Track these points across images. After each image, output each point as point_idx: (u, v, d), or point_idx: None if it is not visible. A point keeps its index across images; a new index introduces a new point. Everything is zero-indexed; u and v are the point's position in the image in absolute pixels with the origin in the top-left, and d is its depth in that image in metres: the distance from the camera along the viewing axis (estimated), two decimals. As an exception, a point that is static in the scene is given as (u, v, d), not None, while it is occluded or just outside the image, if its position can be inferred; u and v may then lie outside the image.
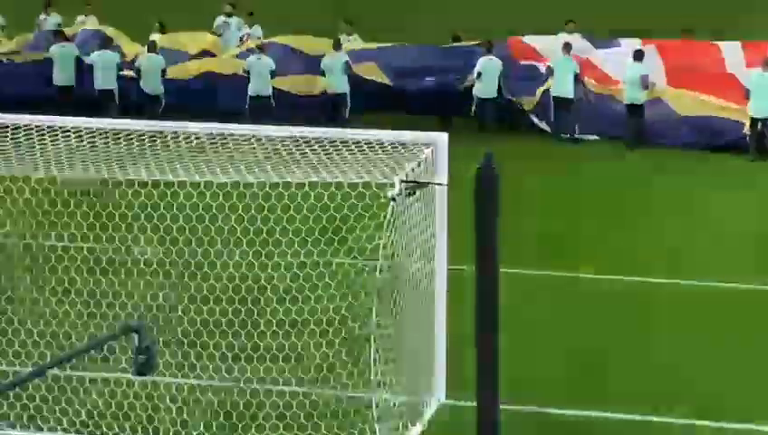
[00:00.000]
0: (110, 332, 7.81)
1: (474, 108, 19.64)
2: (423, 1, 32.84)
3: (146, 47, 21.04)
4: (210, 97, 19.81)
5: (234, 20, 25.60)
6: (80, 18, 25.97)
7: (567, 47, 19.80)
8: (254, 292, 8.31)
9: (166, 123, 8.69)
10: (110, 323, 8.24)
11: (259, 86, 19.57)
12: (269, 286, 8.27)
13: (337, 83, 19.76)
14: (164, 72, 20.09)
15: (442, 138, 7.61)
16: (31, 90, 19.99)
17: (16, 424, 7.38)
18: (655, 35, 21.43)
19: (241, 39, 24.07)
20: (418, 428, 7.67)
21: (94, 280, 8.80)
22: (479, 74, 19.50)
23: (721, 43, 20.76)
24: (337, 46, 20.23)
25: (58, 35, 21.62)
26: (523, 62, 20.81)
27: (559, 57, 19.79)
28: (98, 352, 7.14)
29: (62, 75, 20.52)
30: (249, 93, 19.62)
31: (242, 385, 7.75)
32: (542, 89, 19.81)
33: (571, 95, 19.22)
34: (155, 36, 22.94)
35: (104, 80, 20.21)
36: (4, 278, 8.85)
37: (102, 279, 8.85)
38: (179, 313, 8.20)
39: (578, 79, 19.36)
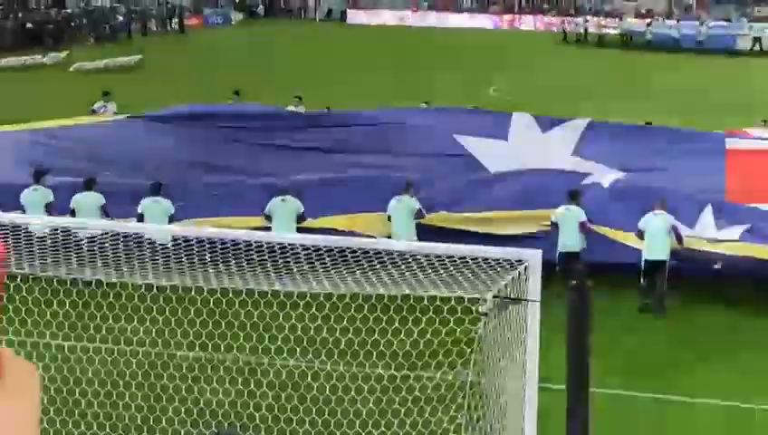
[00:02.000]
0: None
1: (557, 266, 14.37)
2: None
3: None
4: None
5: None
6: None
7: None
8: (344, 403, 8.28)
9: (256, 234, 8.91)
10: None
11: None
12: (359, 398, 8.25)
13: (402, 231, 15.38)
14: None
15: (535, 254, 7.53)
16: None
17: None
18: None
19: None
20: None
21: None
22: (555, 225, 15.33)
23: None
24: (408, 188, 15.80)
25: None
26: None
27: None
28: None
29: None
30: None
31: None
32: None
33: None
34: None
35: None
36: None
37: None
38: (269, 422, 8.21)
39: None
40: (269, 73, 37.75)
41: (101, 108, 25.03)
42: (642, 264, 14.62)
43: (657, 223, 14.65)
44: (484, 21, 68.47)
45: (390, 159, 18.80)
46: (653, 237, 14.64)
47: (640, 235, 14.75)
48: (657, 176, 17.51)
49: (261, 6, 73.07)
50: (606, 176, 17.08)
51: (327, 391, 8.45)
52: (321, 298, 8.33)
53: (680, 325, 13.91)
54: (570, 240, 14.97)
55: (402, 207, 15.45)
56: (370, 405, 8.25)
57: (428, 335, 8.02)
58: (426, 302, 7.75)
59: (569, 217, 15.09)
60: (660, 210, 14.80)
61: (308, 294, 8.07)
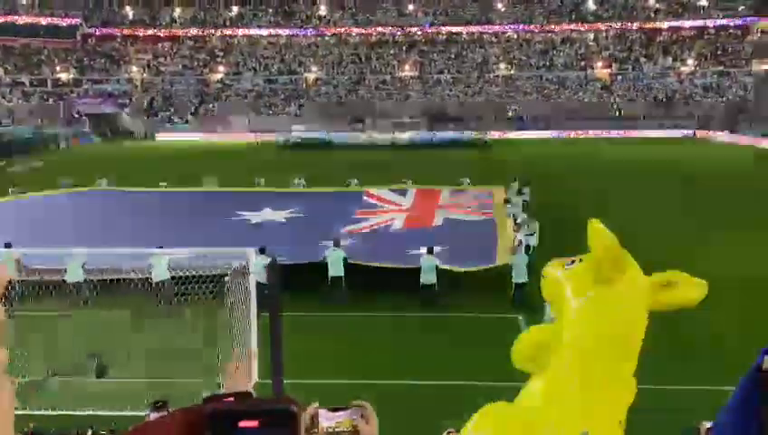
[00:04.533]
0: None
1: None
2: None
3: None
4: None
5: None
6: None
7: None
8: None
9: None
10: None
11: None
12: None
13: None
14: None
15: (250, 252, 14.85)
16: None
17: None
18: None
19: None
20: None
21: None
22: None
23: None
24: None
25: None
26: None
27: None
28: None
29: None
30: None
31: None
32: None
33: None
34: None
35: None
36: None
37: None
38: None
39: None
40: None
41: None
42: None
43: (335, 254, 20.45)
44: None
45: None
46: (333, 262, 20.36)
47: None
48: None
49: (109, 131, 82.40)
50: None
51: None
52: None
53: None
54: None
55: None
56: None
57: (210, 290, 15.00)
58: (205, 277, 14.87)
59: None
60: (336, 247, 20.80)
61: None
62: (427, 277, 19.95)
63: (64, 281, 17.98)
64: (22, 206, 28.96)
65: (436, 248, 20.79)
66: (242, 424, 0.94)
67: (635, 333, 2.30)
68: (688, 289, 2.33)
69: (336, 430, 2.00)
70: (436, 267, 19.98)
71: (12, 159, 58.54)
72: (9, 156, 60.32)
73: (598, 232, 2.32)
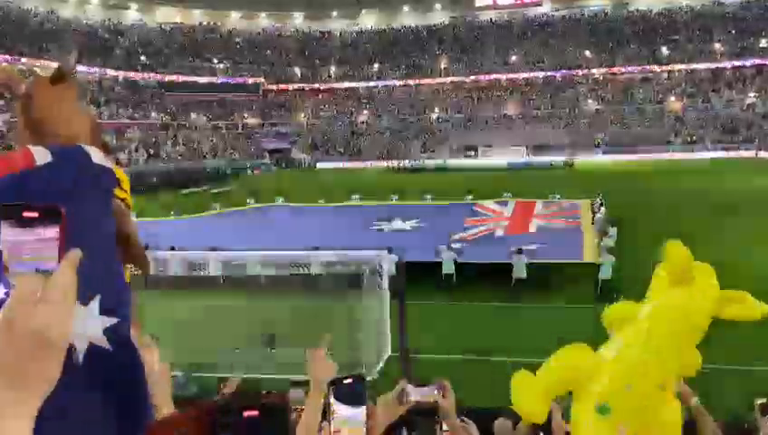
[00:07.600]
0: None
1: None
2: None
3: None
4: None
5: None
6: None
7: None
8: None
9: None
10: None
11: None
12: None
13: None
14: None
15: (387, 255, 14.86)
16: None
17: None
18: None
19: None
20: (383, 360, 14.07)
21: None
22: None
23: None
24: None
25: None
26: None
27: None
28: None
29: None
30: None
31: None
32: None
33: None
34: None
35: None
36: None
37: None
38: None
39: None
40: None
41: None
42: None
43: (447, 254, 19.95)
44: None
45: None
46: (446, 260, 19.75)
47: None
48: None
49: (283, 163, 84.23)
50: None
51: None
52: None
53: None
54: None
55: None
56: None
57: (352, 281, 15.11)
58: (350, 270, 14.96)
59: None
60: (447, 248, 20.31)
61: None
62: (518, 273, 19.27)
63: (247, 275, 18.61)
64: (222, 218, 30.79)
65: (530, 246, 20.36)
66: (245, 414, 0.91)
67: (695, 329, 2.25)
68: (750, 310, 2.24)
69: (420, 401, 1.94)
70: (527, 265, 19.26)
71: (211, 185, 61.72)
72: (208, 182, 63.71)
73: (673, 247, 2.30)
